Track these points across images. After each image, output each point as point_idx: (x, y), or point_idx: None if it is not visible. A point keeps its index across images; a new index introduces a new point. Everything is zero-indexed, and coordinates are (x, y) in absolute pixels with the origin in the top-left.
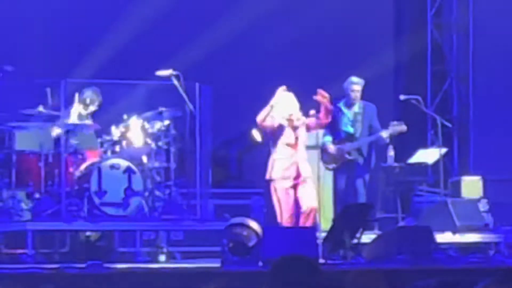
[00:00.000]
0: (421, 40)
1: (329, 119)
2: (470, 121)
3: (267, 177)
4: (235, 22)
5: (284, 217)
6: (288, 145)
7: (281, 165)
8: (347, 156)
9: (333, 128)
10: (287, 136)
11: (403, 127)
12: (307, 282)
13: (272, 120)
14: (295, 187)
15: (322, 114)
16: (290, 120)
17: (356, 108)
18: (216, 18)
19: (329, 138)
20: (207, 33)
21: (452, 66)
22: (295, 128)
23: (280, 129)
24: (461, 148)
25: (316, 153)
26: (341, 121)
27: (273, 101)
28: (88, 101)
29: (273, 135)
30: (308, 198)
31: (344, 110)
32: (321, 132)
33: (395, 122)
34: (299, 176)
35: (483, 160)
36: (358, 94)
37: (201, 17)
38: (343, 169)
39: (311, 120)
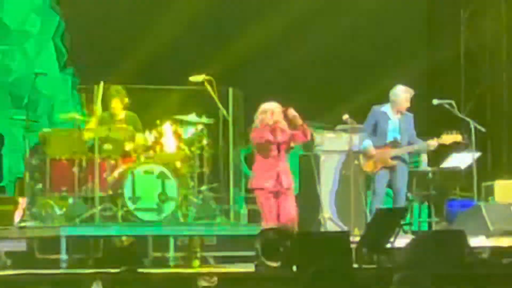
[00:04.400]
0: (455, 44)
1: (309, 137)
2: (504, 125)
3: (249, 186)
4: (268, 28)
5: (268, 224)
6: (270, 156)
7: (261, 176)
8: (390, 161)
9: (378, 132)
10: (270, 147)
11: (458, 137)
12: None
13: (259, 132)
14: (277, 196)
15: (301, 133)
16: (273, 130)
17: (401, 115)
18: (250, 23)
19: (369, 142)
20: (239, 38)
21: (485, 70)
22: (278, 140)
23: (263, 140)
24: (494, 152)
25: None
26: (387, 126)
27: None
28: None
29: (256, 145)
30: (288, 209)
31: (391, 116)
32: (355, 136)
33: (448, 132)
34: (280, 187)
35: None
36: (408, 104)
37: (234, 23)
38: (384, 174)
39: (297, 134)
